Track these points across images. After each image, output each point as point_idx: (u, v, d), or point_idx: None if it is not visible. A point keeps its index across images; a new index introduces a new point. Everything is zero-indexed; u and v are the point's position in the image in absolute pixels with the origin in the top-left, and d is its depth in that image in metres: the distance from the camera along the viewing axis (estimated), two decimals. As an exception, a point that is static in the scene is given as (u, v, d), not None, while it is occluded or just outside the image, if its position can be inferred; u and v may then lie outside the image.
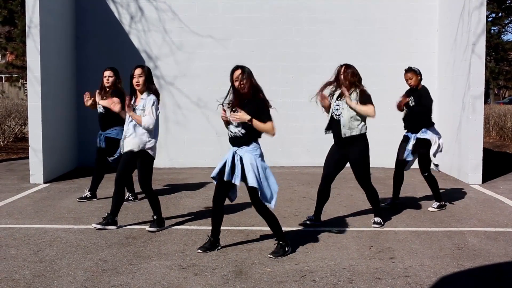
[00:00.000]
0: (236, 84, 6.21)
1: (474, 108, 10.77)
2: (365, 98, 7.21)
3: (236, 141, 6.16)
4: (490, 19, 29.94)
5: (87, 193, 9.12)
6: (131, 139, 7.16)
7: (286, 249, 6.19)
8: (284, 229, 7.28)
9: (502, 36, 33.99)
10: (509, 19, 33.74)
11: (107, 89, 8.68)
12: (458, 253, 6.28)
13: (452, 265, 5.87)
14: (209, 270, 5.69)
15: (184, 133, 13.12)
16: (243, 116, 6.02)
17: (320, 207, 7.53)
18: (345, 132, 7.21)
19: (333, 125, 7.40)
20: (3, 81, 30.72)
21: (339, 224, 7.57)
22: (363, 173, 7.26)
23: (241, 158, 6.07)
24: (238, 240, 6.75)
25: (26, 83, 12.48)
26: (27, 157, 11.80)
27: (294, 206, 8.73)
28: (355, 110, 7.14)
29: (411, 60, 12.84)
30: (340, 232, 7.11)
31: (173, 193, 9.90)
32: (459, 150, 11.33)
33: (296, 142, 12.84)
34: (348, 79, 7.29)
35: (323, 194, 7.47)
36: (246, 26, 13.03)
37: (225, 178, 6.12)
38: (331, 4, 13.01)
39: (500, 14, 31.82)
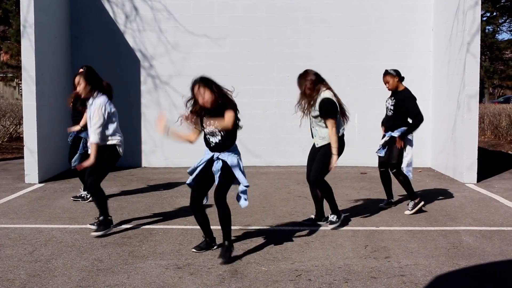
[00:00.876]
0: (200, 100, 6.20)
1: (469, 107, 10.79)
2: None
3: (217, 148, 6.16)
4: (484, 19, 30.02)
5: (82, 193, 9.10)
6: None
7: (232, 250, 6.07)
8: (280, 228, 7.30)
9: (497, 35, 34.11)
10: (504, 18, 33.84)
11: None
12: (453, 252, 6.29)
13: (447, 264, 5.88)
14: (205, 269, 5.69)
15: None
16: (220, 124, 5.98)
17: (320, 206, 7.58)
18: (318, 142, 7.28)
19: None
20: (-2, 81, 30.64)
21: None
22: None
23: (223, 161, 6.09)
24: (233, 240, 6.75)
25: (21, 83, 12.46)
26: (22, 157, 11.77)
27: (290, 206, 8.73)
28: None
29: (406, 59, 12.89)
30: (336, 231, 7.12)
31: (169, 192, 9.89)
32: (454, 149, 11.35)
33: (292, 141, 12.84)
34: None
35: (316, 196, 7.50)
36: (242, 26, 13.02)
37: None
38: (326, 4, 13.02)
39: (494, 13, 31.91)
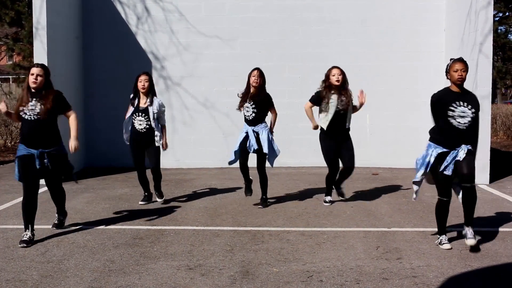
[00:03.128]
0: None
1: (481, 108, 10.66)
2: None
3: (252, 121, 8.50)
4: (497, 19, 29.84)
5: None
6: None
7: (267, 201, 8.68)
8: (291, 229, 7.30)
9: (509, 35, 33.87)
10: (516, 18, 33.62)
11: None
12: (465, 253, 6.26)
13: (459, 265, 5.85)
14: (216, 270, 5.69)
15: (191, 133, 13.13)
16: None
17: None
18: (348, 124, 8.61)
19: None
20: (10, 82, 30.76)
21: (346, 224, 7.55)
22: None
23: (257, 133, 8.41)
24: (244, 241, 6.75)
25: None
26: (35, 158, 11.80)
27: (301, 207, 8.72)
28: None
29: (418, 60, 12.85)
30: (347, 233, 7.11)
31: (180, 193, 9.91)
32: (466, 150, 11.28)
33: (303, 142, 12.81)
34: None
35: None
36: (253, 27, 13.03)
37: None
38: (338, 4, 12.99)
39: (507, 14, 31.71)
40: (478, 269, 5.74)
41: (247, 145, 8.46)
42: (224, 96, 12.81)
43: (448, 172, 6.31)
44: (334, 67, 8.71)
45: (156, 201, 9.08)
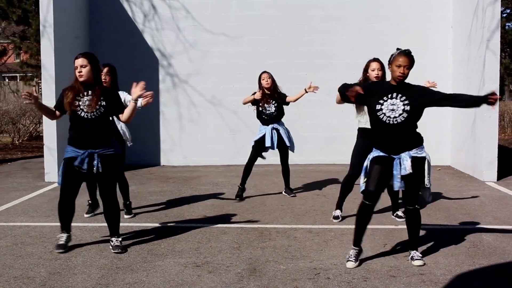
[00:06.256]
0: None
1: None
2: None
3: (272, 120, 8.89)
4: (504, 15, 29.70)
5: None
6: None
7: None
8: (298, 226, 7.30)
9: (517, 32, 33.72)
10: (524, 15, 33.48)
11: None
12: (473, 251, 6.24)
13: (467, 263, 5.84)
14: (223, 267, 5.70)
15: (198, 131, 13.15)
16: None
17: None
18: None
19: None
20: (18, 80, 30.85)
21: (353, 221, 7.50)
22: None
23: (277, 130, 8.83)
24: (252, 238, 6.76)
25: (41, 82, 12.55)
26: (42, 156, 11.86)
27: (308, 204, 8.72)
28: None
29: (425, 57, 12.79)
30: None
31: (187, 191, 9.92)
32: (473, 147, 11.27)
33: (310, 139, 12.81)
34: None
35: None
36: (259, 24, 13.02)
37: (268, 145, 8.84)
38: (344, 1, 12.96)
39: (514, 10, 31.58)
40: (486, 267, 5.73)
41: (269, 143, 8.83)
42: (231, 93, 12.82)
43: (396, 187, 5.65)
44: (374, 59, 7.64)
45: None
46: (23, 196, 9.41)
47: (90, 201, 8.06)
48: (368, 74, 7.51)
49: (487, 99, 5.52)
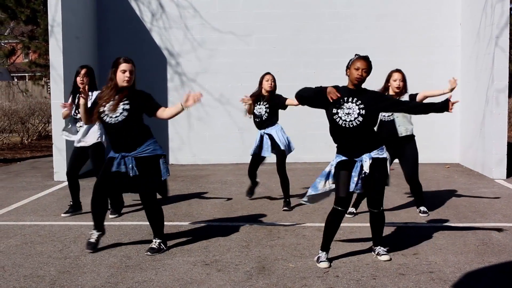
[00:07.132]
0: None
1: (498, 102, 10.66)
2: None
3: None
4: (513, 12, 29.53)
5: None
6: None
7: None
8: (307, 224, 7.30)
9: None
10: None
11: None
12: (482, 248, 6.22)
13: (476, 260, 5.82)
14: (232, 266, 5.70)
15: (206, 129, 13.16)
16: None
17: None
18: (401, 131, 7.59)
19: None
20: (27, 80, 30.98)
21: (362, 219, 7.53)
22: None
23: (269, 134, 8.30)
24: (260, 236, 6.76)
25: (49, 82, 12.59)
26: (51, 155, 11.90)
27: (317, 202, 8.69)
28: None
29: (434, 54, 12.78)
30: (363, 228, 7.09)
31: (196, 189, 9.93)
32: (483, 145, 11.23)
33: (318, 137, 12.79)
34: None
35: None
36: (267, 22, 13.02)
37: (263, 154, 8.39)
38: (352, -1, 12.96)
39: (524, 7, 31.38)
40: (495, 265, 5.71)
41: (262, 150, 8.38)
42: (239, 91, 12.76)
43: (358, 190, 5.64)
44: (396, 70, 7.75)
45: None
46: (33, 195, 9.45)
47: (71, 202, 8.09)
48: (389, 84, 7.69)
49: (448, 108, 5.59)
